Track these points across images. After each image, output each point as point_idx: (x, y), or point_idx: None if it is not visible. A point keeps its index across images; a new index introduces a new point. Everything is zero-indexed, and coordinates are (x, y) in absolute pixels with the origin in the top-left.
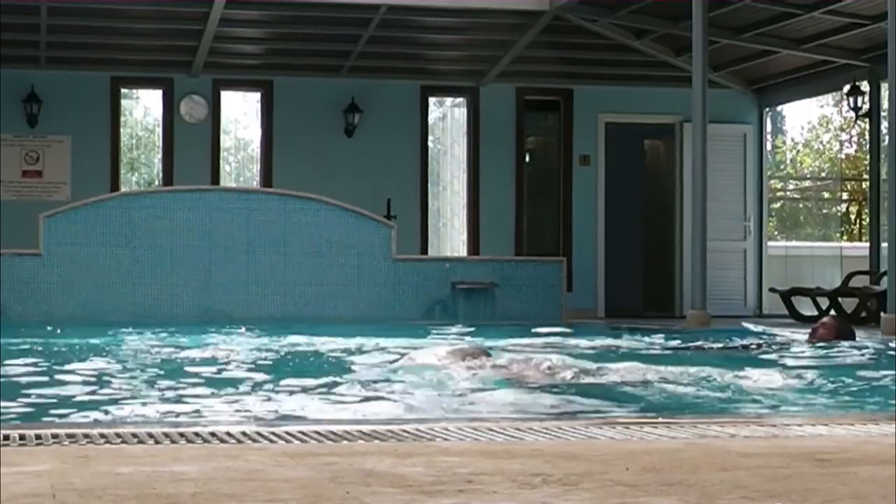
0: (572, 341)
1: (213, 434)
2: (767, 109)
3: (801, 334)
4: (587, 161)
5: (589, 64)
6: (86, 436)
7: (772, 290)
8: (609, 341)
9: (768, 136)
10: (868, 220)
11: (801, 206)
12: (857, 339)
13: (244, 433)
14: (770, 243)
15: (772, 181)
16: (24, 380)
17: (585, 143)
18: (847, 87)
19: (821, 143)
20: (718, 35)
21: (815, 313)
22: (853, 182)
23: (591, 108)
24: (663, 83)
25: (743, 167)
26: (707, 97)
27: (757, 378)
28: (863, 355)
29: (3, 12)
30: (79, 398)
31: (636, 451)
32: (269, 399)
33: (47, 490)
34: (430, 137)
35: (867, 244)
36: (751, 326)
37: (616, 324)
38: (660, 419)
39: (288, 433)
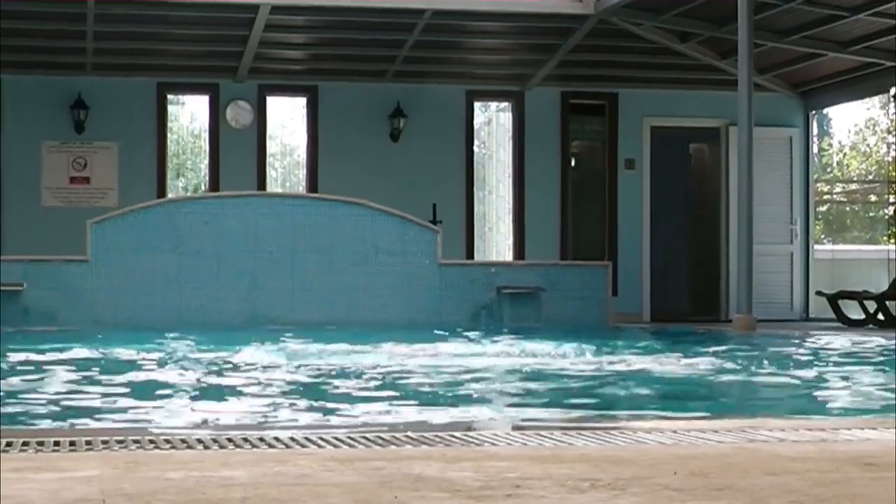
0: None
1: (261, 439)
2: (813, 112)
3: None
4: (632, 165)
5: (634, 67)
6: (135, 441)
7: (818, 293)
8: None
9: (814, 139)
10: None
11: (847, 209)
12: None
13: (292, 438)
14: (817, 247)
15: (818, 184)
16: (73, 385)
17: (631, 147)
18: (893, 90)
19: (867, 145)
20: (764, 38)
21: (863, 317)
22: None
23: (637, 111)
24: (708, 87)
25: (789, 170)
26: (753, 100)
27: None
28: None
29: (49, 19)
30: (128, 404)
31: (684, 456)
32: (317, 404)
33: (97, 495)
34: (476, 142)
35: None
36: None
37: (661, 328)
38: (707, 423)
39: (336, 438)
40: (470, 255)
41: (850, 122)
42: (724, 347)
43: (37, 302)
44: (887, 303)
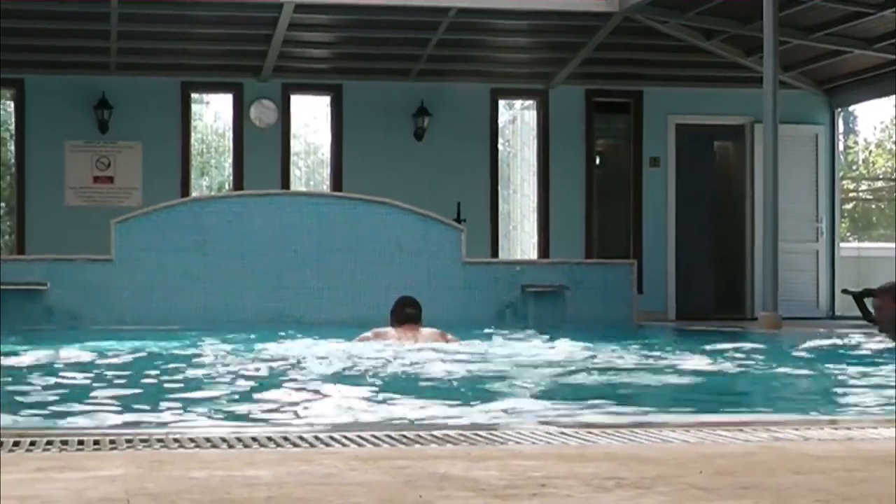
0: None
1: (285, 438)
2: (839, 109)
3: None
4: (657, 163)
5: (659, 65)
6: (159, 440)
7: (844, 291)
8: None
9: (840, 137)
10: None
11: (873, 206)
12: None
13: (317, 437)
14: (842, 244)
15: (844, 182)
16: (97, 385)
17: (655, 145)
18: None
19: (893, 143)
20: (789, 35)
21: None
22: None
23: (661, 109)
24: (734, 84)
25: (815, 168)
26: (778, 98)
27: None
28: None
29: (73, 19)
30: (152, 403)
31: (710, 455)
32: (342, 402)
33: (121, 495)
34: (500, 140)
35: None
36: None
37: (686, 326)
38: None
39: (360, 437)
40: (494, 253)
41: (876, 119)
42: (749, 345)
43: (60, 301)
44: None
